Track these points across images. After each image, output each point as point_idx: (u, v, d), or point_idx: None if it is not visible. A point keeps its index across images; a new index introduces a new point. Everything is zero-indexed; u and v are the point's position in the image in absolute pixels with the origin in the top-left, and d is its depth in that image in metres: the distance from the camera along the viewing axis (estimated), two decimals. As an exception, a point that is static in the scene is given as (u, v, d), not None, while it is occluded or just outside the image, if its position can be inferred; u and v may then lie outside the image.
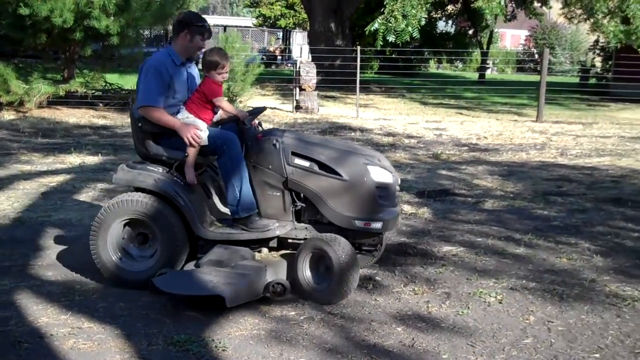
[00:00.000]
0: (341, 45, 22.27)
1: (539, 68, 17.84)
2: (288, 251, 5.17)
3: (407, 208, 7.48)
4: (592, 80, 27.33)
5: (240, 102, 16.18)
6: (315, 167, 4.91)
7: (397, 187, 5.08)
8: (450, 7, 32.32)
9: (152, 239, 5.00)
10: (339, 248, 4.65)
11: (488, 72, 34.12)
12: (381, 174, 4.89)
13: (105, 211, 4.98)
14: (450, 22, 34.37)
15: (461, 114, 17.30)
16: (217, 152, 4.94)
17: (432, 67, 38.02)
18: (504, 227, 6.79)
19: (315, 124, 14.23)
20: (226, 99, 5.28)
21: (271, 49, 38.82)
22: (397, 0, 15.35)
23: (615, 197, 8.30)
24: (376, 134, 13.31)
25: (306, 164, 4.91)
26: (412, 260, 5.75)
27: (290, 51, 35.95)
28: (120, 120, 14.23)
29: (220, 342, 4.12)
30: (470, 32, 33.26)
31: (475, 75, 31.86)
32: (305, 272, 4.81)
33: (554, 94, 20.67)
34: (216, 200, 5.24)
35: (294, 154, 4.93)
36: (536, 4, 28.96)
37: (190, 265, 4.90)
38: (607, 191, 8.66)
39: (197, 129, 4.86)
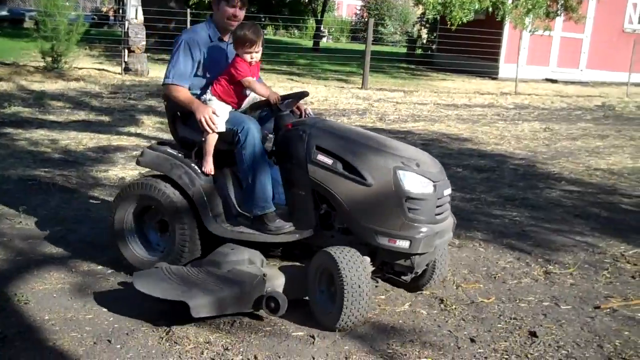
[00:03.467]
0: (175, 7, 21.94)
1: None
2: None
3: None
4: (419, 51, 28.66)
5: (66, 62, 15.64)
6: (339, 166, 4.13)
7: (444, 200, 4.18)
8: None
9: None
10: (345, 264, 3.87)
11: (324, 40, 34.82)
12: (415, 181, 4.01)
13: (120, 193, 4.69)
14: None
15: (292, 80, 17.66)
16: (233, 140, 4.38)
17: (270, 34, 38.25)
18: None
19: (144, 87, 14.05)
20: (260, 80, 4.72)
21: (104, 9, 37.48)
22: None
23: (423, 158, 8.92)
24: (205, 98, 13.37)
25: (329, 161, 4.16)
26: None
27: (124, 12, 34.86)
28: None
29: (22, 296, 4.16)
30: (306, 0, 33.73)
31: (310, 43, 32.44)
32: (314, 291, 4.13)
33: (382, 62, 21.54)
34: (239, 194, 4.63)
35: (319, 148, 4.21)
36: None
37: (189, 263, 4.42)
38: (416, 153, 9.29)
39: (213, 112, 4.37)
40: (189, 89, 4.56)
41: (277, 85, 16.23)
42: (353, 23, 41.22)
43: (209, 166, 4.44)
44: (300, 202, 4.35)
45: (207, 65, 4.57)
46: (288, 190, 4.43)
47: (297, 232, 4.32)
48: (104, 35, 23.34)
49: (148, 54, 16.50)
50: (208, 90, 4.51)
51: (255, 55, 4.45)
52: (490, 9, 17.07)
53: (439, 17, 17.60)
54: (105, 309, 4.09)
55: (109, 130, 9.53)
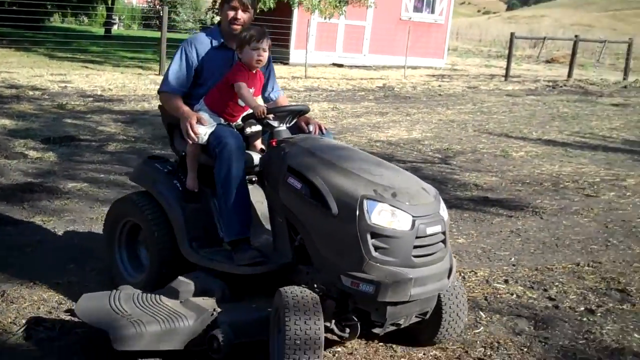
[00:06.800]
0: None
1: (161, 25, 18.73)
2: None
3: (32, 153, 7.91)
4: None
5: None
6: (307, 192, 3.47)
7: (429, 240, 3.38)
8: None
9: None
10: (292, 305, 3.26)
11: (115, 28, 34.26)
12: (386, 214, 3.29)
13: (110, 210, 4.48)
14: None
15: (87, 67, 17.53)
16: (212, 155, 3.90)
17: (57, 21, 36.89)
18: (125, 165, 7.61)
19: None
20: (278, 93, 4.49)
21: None
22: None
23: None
24: (-3, 87, 13.10)
25: (298, 185, 3.50)
26: (39, 195, 6.32)
27: None
28: None
29: None
30: (95, -14, 32.97)
31: (101, 30, 31.82)
32: (272, 334, 3.48)
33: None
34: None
35: (290, 170, 3.57)
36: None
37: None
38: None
39: (198, 121, 3.92)
40: (189, 98, 4.19)
41: (71, 73, 16.10)
42: (145, 10, 40.80)
43: (191, 182, 4.05)
44: (277, 230, 3.79)
45: (208, 73, 4.19)
46: (270, 217, 3.91)
47: (263, 265, 3.73)
48: None
49: None
50: (201, 100, 4.11)
51: (258, 57, 3.97)
52: (284, -2, 18.09)
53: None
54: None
55: None
